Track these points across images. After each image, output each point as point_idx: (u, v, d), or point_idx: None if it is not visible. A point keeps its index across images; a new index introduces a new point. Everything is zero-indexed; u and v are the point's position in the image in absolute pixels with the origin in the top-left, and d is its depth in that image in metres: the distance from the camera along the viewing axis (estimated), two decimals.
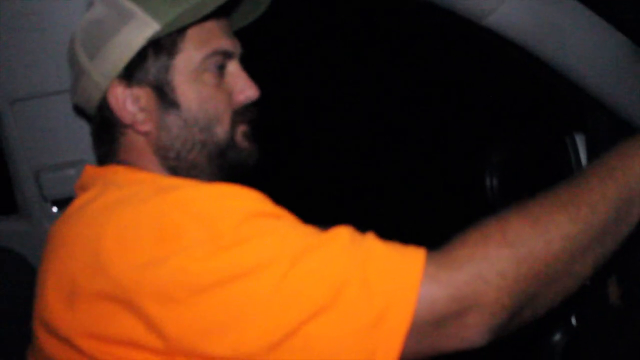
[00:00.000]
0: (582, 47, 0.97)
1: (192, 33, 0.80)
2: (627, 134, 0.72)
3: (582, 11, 0.95)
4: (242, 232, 0.63)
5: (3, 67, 1.04)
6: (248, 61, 0.87)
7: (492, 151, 1.35)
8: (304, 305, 0.59)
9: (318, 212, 1.05)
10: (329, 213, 1.38)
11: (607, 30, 0.97)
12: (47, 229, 1.06)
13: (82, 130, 1.09)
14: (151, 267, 0.61)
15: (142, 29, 0.77)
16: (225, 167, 0.82)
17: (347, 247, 0.62)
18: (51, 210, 1.16)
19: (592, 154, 1.16)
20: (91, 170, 0.82)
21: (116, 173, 0.80)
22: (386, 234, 0.66)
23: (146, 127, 0.80)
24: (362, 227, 0.67)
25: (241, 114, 0.83)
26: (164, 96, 0.79)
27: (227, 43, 0.82)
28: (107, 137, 0.83)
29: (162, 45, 0.79)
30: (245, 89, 0.83)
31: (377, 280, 0.60)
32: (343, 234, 0.64)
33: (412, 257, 0.62)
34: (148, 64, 0.79)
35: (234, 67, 0.84)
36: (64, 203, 1.14)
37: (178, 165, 0.81)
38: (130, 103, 0.80)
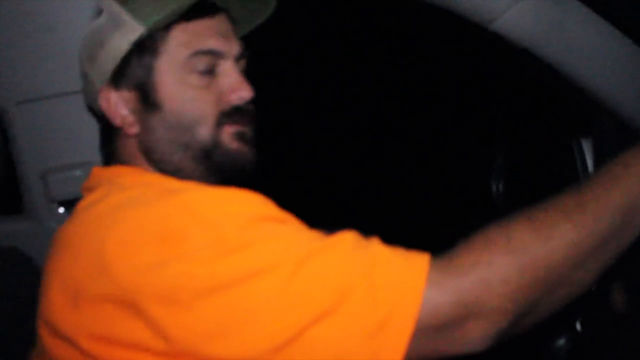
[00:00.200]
0: (589, 51, 0.96)
1: (175, 34, 0.80)
2: (634, 139, 0.72)
3: (589, 15, 0.95)
4: (246, 236, 0.63)
5: (10, 69, 1.05)
6: (248, 61, 0.86)
7: (498, 155, 1.34)
8: (308, 309, 0.59)
9: (321, 214, 1.04)
10: (331, 215, 1.38)
11: (613, 34, 0.97)
12: (53, 229, 1.06)
13: (89, 132, 1.09)
14: (155, 270, 0.61)
15: (129, 33, 0.79)
16: (212, 168, 0.81)
17: (351, 252, 0.62)
18: (57, 210, 1.16)
19: (599, 159, 1.16)
20: (98, 172, 0.83)
21: (121, 174, 0.80)
22: (389, 236, 0.66)
23: (134, 129, 0.82)
24: (364, 229, 0.67)
25: (230, 114, 0.82)
26: (147, 97, 0.80)
27: (215, 43, 0.81)
28: (107, 139, 0.86)
29: (145, 47, 0.80)
30: (236, 89, 0.82)
31: (382, 285, 0.60)
32: (348, 238, 0.64)
33: (417, 263, 0.62)
34: (133, 67, 0.80)
35: (224, 67, 0.82)
36: (70, 204, 1.14)
37: (165, 168, 0.81)
38: (120, 106, 0.81)
